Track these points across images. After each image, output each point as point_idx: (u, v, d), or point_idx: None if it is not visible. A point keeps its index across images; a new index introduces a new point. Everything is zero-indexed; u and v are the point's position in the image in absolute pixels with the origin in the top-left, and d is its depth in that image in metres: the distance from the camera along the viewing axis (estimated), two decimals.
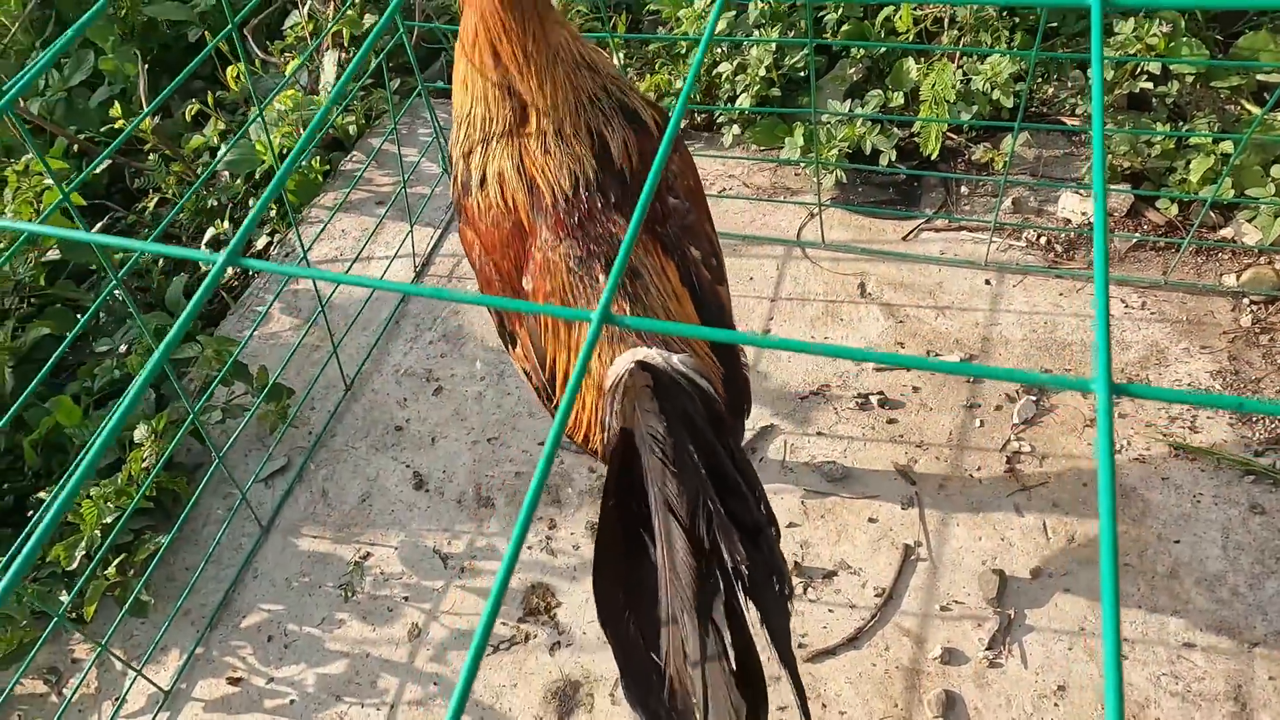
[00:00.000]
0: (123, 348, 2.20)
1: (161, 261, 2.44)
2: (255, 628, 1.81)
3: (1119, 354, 1.95)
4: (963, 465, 1.84)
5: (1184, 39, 2.13)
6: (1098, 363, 0.46)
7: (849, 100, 2.29)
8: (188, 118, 2.66)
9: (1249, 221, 2.05)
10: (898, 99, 2.30)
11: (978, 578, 1.69)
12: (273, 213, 2.51)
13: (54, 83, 2.88)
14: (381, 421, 2.07)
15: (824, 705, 1.60)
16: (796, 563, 1.74)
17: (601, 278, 1.29)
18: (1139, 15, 2.14)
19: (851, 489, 1.83)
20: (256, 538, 1.91)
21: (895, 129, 2.25)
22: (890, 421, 1.91)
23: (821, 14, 2.47)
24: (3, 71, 2.81)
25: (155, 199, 2.58)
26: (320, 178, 2.59)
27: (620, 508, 1.16)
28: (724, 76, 2.41)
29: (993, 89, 2.20)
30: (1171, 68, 2.19)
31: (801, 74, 2.41)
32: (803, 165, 2.34)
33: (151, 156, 2.61)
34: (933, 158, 2.23)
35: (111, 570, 1.77)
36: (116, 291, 1.60)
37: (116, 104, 2.45)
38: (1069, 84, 2.33)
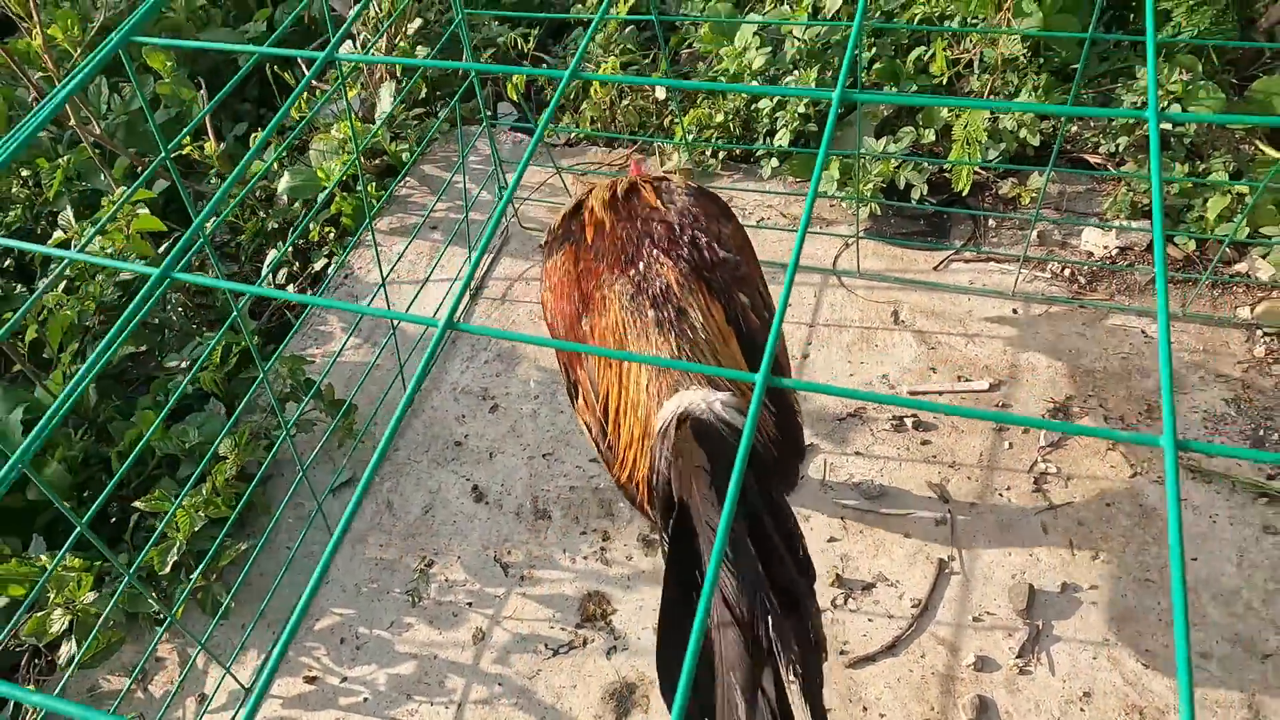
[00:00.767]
0: (184, 364, 2.33)
1: (228, 280, 2.57)
2: (329, 630, 1.93)
3: (1140, 381, 2.08)
4: (993, 484, 1.96)
5: (1201, 83, 2.26)
6: (1165, 422, 0.58)
7: (883, 137, 2.41)
8: (251, 143, 2.79)
9: (1263, 258, 2.17)
10: (929, 135, 2.42)
11: (1008, 590, 1.81)
12: (331, 235, 2.64)
13: (115, 107, 3.02)
14: (441, 437, 2.20)
15: (864, 708, 1.72)
16: (838, 575, 1.86)
17: (651, 313, 1.42)
18: (1159, 60, 2.27)
19: (888, 506, 1.95)
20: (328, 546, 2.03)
21: (926, 165, 2.38)
22: (924, 443, 2.03)
23: (855, 52, 2.60)
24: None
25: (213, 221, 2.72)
26: (375, 202, 2.72)
27: (680, 577, 1.21)
28: (763, 112, 2.54)
29: (1020, 128, 2.33)
30: (1189, 108, 2.32)
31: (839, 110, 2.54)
32: (838, 199, 2.47)
33: (215, 180, 2.74)
34: (964, 193, 2.36)
35: (197, 575, 1.89)
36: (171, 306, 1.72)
37: (187, 136, 2.58)
38: (1091, 123, 2.45)
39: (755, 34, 2.58)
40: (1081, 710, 1.67)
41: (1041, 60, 2.44)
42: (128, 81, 3.08)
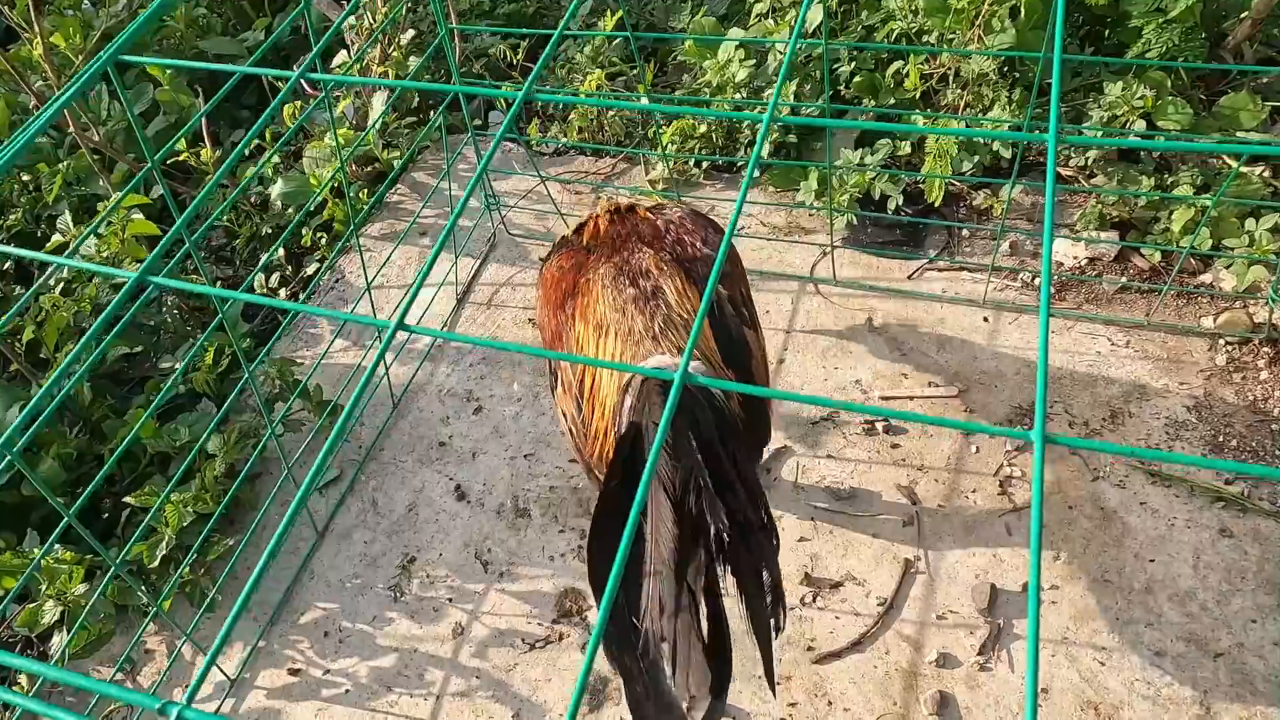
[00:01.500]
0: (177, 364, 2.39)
1: (219, 283, 2.63)
2: (312, 624, 1.99)
3: (1104, 388, 2.13)
4: (960, 487, 2.02)
5: (1170, 98, 2.32)
6: (1037, 417, 0.64)
7: (860, 149, 2.48)
8: (247, 151, 2.86)
9: (1226, 269, 2.23)
10: (904, 148, 2.49)
11: (971, 590, 1.87)
12: (323, 241, 2.71)
13: (115, 113, 3.09)
14: (426, 437, 2.26)
15: (829, 703, 1.77)
16: (807, 574, 1.92)
17: (630, 290, 1.51)
18: (1128, 76, 2.33)
19: (858, 507, 2.01)
20: (313, 542, 2.09)
21: (903, 177, 2.45)
22: (894, 446, 2.09)
23: (836, 65, 2.67)
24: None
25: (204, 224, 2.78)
26: (364, 208, 2.79)
27: (622, 485, 1.29)
28: (744, 123, 2.60)
29: (993, 140, 2.39)
30: (1159, 123, 2.38)
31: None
32: (816, 209, 2.53)
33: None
34: (936, 204, 2.42)
35: (185, 569, 1.95)
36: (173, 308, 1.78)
37: (181, 141, 2.65)
38: (1062, 135, 2.51)
39: (738, 47, 2.65)
40: (1039, 706, 1.72)
41: (1016, 75, 2.50)
42: (128, 88, 3.15)
